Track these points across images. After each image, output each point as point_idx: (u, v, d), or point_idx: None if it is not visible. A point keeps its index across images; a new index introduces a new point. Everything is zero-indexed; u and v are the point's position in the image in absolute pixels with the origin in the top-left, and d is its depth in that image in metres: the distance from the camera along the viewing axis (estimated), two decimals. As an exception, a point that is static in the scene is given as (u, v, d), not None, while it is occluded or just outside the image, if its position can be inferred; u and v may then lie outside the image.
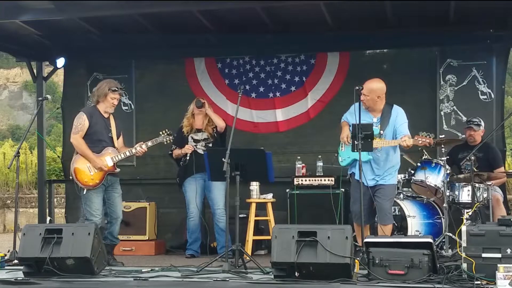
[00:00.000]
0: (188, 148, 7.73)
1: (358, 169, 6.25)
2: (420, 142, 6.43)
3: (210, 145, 7.72)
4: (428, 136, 6.44)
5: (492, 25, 8.04)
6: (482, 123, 7.70)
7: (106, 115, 7.00)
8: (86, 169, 6.84)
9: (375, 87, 6.56)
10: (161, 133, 7.25)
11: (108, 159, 6.89)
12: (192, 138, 7.82)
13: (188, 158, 7.73)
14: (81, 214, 7.49)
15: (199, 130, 7.84)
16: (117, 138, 7.07)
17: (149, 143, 7.11)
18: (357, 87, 6.45)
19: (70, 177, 6.99)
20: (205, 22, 8.02)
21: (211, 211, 7.83)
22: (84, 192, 6.82)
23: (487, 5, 7.24)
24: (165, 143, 7.32)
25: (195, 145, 7.77)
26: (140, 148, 7.04)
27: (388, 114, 6.62)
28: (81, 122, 6.89)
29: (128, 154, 7.02)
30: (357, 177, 6.58)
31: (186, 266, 6.32)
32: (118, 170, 7.00)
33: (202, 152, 7.63)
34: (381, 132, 6.56)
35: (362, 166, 6.39)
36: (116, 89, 6.95)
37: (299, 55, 8.96)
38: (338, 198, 7.75)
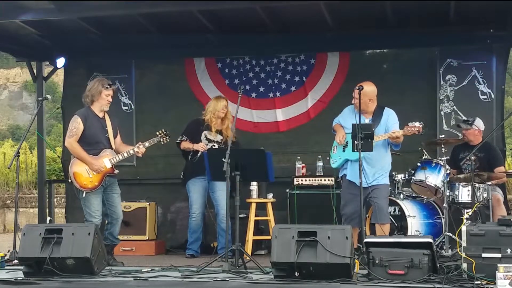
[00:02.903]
0: (201, 147, 7.62)
1: (359, 169, 6.26)
2: (409, 130, 6.52)
3: None
4: (417, 125, 6.47)
5: (492, 25, 8.04)
6: (477, 122, 7.66)
7: (101, 115, 6.97)
8: (84, 172, 6.81)
9: (367, 90, 6.67)
10: (157, 133, 7.22)
11: (106, 161, 6.87)
12: (205, 136, 7.74)
13: (198, 156, 7.64)
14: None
15: (217, 131, 7.76)
16: (114, 138, 7.03)
17: (146, 144, 7.08)
18: (357, 87, 6.53)
19: (69, 180, 6.97)
20: (205, 22, 8.02)
21: (213, 212, 7.83)
22: (84, 195, 6.81)
23: (487, 5, 7.25)
24: (162, 143, 7.28)
25: (207, 144, 7.71)
26: (138, 149, 7.03)
27: (379, 115, 6.76)
28: (76, 125, 6.85)
29: (126, 155, 7.00)
30: (348, 177, 6.75)
31: (186, 266, 6.32)
32: (116, 171, 6.98)
33: None
34: (373, 131, 6.61)
35: (353, 165, 6.61)
36: (109, 86, 6.95)
37: (299, 55, 8.96)
38: (338, 198, 7.74)
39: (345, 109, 7.05)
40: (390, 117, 6.76)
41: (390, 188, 7.61)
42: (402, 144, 7.77)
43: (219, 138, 7.74)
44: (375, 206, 6.52)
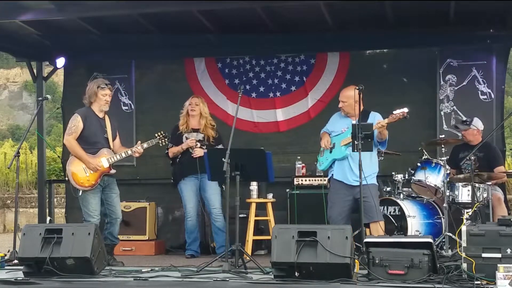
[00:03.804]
0: (190, 141, 7.62)
1: (359, 169, 6.24)
2: (394, 117, 6.52)
3: (204, 147, 7.62)
4: (401, 110, 6.47)
5: (492, 25, 8.04)
6: (475, 122, 7.66)
7: (101, 115, 6.99)
8: (81, 170, 6.83)
9: (352, 93, 6.69)
10: (156, 135, 7.22)
11: (103, 160, 6.88)
12: (186, 138, 7.75)
13: (192, 153, 7.61)
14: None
15: (195, 130, 7.80)
16: (113, 139, 7.05)
17: (145, 145, 7.09)
18: (357, 87, 6.53)
19: (66, 179, 6.98)
20: (205, 22, 8.02)
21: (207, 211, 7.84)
22: (80, 194, 6.81)
23: (487, 5, 7.25)
24: (161, 145, 7.28)
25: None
26: (136, 149, 7.03)
27: (365, 117, 6.76)
28: (75, 124, 6.87)
29: (124, 155, 7.01)
30: (335, 176, 6.79)
31: (186, 266, 6.32)
32: (114, 171, 6.99)
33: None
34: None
35: (340, 164, 6.71)
36: (105, 86, 6.95)
37: (299, 55, 8.96)
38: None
39: (332, 116, 7.11)
40: (376, 118, 6.75)
41: (390, 188, 7.63)
42: (402, 144, 7.83)
43: (200, 136, 7.74)
44: (366, 206, 6.47)
